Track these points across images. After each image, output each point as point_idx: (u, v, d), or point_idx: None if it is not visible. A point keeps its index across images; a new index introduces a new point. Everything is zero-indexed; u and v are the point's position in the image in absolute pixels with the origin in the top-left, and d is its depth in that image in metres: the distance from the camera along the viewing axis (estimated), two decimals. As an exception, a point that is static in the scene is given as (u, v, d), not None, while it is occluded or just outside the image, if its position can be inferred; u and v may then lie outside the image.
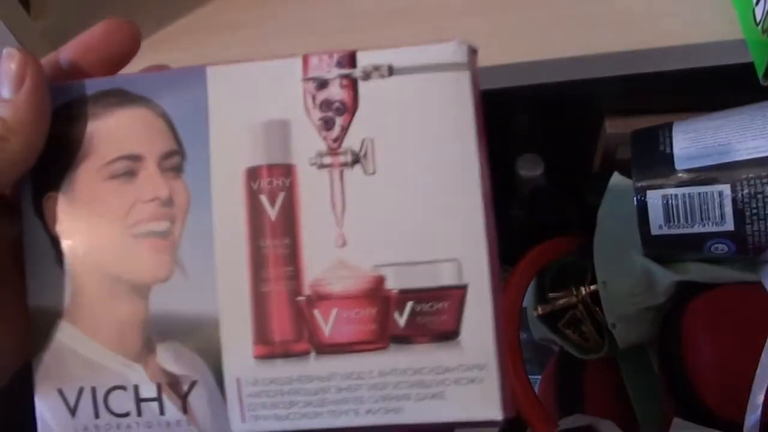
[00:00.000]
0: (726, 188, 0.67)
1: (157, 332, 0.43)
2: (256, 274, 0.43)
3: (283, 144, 0.44)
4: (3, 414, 0.61)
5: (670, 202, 0.69)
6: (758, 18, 0.63)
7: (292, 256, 0.43)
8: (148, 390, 0.44)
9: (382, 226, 0.42)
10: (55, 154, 0.44)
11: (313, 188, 0.43)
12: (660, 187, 0.69)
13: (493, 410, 0.41)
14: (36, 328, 0.44)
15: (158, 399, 0.44)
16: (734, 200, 0.67)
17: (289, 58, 0.44)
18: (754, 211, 0.67)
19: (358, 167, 0.43)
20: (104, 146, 0.44)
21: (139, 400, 0.44)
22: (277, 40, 0.75)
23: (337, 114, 0.44)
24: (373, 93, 0.44)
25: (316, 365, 0.42)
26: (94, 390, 0.44)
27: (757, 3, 0.64)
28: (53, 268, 0.44)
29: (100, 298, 0.44)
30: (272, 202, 0.43)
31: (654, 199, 0.70)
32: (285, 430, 0.43)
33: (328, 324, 0.42)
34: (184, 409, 0.43)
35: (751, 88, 0.64)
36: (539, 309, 0.82)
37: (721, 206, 0.68)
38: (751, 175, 0.67)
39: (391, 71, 0.44)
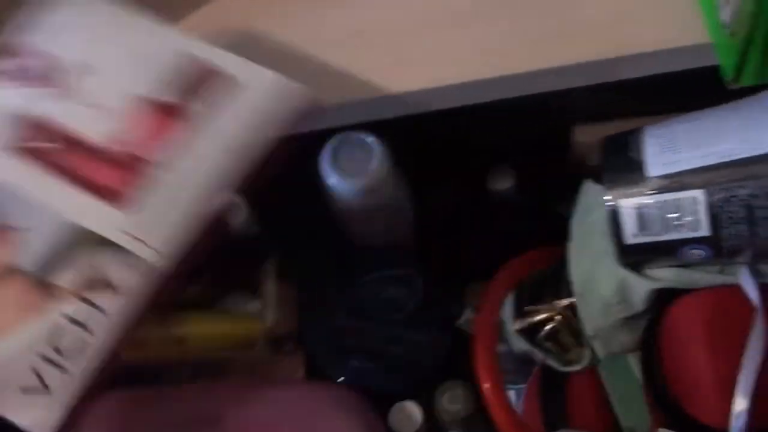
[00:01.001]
0: (700, 193, 0.66)
1: None
2: None
3: None
4: None
5: (643, 210, 0.68)
6: (725, 20, 0.62)
7: None
8: None
9: None
10: None
11: None
12: (632, 195, 0.68)
13: None
14: None
15: None
16: (709, 205, 0.66)
17: None
18: (730, 215, 0.66)
19: None
20: None
21: None
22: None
23: None
24: None
25: None
26: None
27: (723, 6, 0.63)
28: None
29: None
30: None
31: (626, 208, 0.68)
32: None
33: None
34: None
35: (721, 90, 0.63)
36: (517, 323, 0.81)
37: (695, 212, 0.67)
38: (725, 179, 0.65)
39: None
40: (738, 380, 0.66)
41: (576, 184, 0.80)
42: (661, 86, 0.72)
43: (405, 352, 0.86)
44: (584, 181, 0.79)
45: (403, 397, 0.85)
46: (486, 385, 0.78)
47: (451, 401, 0.84)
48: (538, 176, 0.92)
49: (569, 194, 0.82)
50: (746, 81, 0.59)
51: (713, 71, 0.63)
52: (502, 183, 0.91)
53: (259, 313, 0.88)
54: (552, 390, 0.85)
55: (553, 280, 0.81)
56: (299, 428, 0.76)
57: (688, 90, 0.72)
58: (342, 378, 0.86)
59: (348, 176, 0.81)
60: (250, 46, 0.75)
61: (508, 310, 0.83)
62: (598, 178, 0.73)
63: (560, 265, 0.79)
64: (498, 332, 0.80)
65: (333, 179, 0.81)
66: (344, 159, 0.81)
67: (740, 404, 0.65)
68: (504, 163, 0.91)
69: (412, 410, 0.84)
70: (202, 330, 0.86)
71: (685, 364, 0.69)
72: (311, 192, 0.86)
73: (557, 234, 0.81)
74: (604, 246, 0.73)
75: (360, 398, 0.82)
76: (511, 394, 0.89)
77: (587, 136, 0.85)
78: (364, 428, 0.78)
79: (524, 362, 0.85)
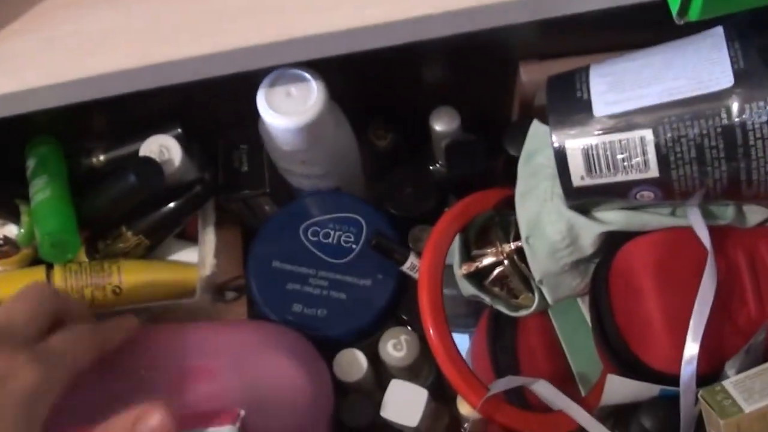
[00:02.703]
0: (648, 133, 0.65)
1: None
2: None
3: None
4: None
5: (590, 152, 0.66)
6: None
7: None
8: None
9: None
10: None
11: None
12: (578, 136, 0.67)
13: None
14: None
15: None
16: (657, 145, 0.65)
17: None
18: (679, 155, 0.64)
19: None
20: None
21: None
22: (161, 7, 0.72)
23: None
24: None
25: None
26: None
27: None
28: None
29: None
30: None
31: (573, 149, 0.67)
32: None
33: None
34: None
35: (668, 26, 0.61)
36: (464, 268, 0.79)
37: (644, 153, 0.65)
38: (673, 118, 0.64)
39: None
40: (689, 325, 0.65)
41: (524, 123, 0.78)
42: (608, 20, 0.70)
43: (348, 298, 0.85)
44: (532, 122, 0.77)
45: (348, 345, 0.84)
46: (431, 331, 0.77)
47: (396, 348, 0.82)
48: (485, 116, 0.90)
49: (517, 134, 0.80)
50: (693, 15, 0.57)
51: (664, 5, 0.61)
52: (447, 123, 0.89)
53: (200, 261, 0.87)
54: (501, 334, 0.85)
55: (501, 223, 0.80)
56: (240, 365, 0.75)
57: (639, 25, 0.70)
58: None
59: (285, 114, 0.79)
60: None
61: (455, 254, 0.81)
62: (545, 119, 0.71)
63: (509, 206, 0.77)
64: (441, 276, 0.79)
65: (270, 118, 0.79)
66: (281, 97, 0.79)
67: (691, 349, 0.65)
68: (448, 103, 0.89)
69: (357, 358, 0.82)
70: (137, 278, 0.85)
71: (636, 308, 0.68)
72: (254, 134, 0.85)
73: (508, 174, 0.80)
74: (552, 188, 0.72)
75: (304, 338, 0.82)
76: (465, 338, 0.89)
77: (534, 74, 0.84)
78: (306, 367, 0.78)
79: (477, 305, 0.84)
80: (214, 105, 0.88)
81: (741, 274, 0.68)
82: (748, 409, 0.61)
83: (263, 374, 0.75)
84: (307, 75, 0.79)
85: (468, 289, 0.80)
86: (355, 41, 0.68)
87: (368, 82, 0.86)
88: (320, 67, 0.78)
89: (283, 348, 0.78)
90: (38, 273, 0.84)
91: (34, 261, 0.86)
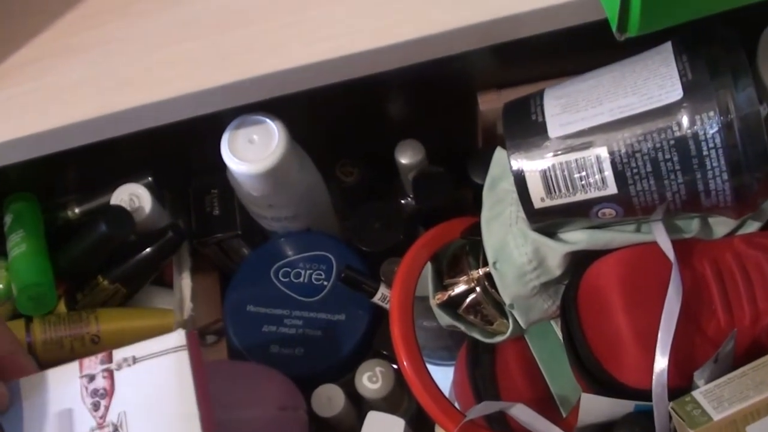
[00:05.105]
0: (603, 151, 0.65)
1: None
2: None
3: (69, 426, 0.65)
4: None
5: (548, 173, 0.67)
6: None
7: None
8: None
9: None
10: None
11: None
12: (535, 158, 0.67)
13: None
14: None
15: None
16: (613, 162, 0.65)
17: (71, 363, 0.67)
18: (635, 170, 0.65)
19: None
20: None
21: None
22: (120, 57, 0.73)
23: (101, 398, 0.65)
24: (124, 378, 0.65)
25: None
26: None
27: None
28: None
29: None
30: None
31: (531, 171, 0.68)
32: None
33: None
34: None
35: (624, 47, 0.63)
36: (437, 297, 0.80)
37: (600, 170, 0.66)
38: (627, 134, 0.65)
39: (134, 360, 0.65)
40: (657, 339, 0.65)
41: (489, 151, 0.79)
42: (559, 45, 0.71)
43: (324, 334, 0.86)
44: (495, 150, 0.78)
45: (329, 380, 0.84)
46: (403, 359, 0.77)
47: (371, 380, 0.83)
48: (450, 147, 0.91)
49: (483, 162, 0.81)
50: (632, 31, 0.58)
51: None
52: (412, 156, 0.90)
53: (177, 305, 0.88)
54: (480, 362, 0.84)
55: (472, 251, 0.80)
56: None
57: (594, 47, 0.71)
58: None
59: (248, 161, 0.80)
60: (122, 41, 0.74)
61: (429, 284, 0.82)
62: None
63: (476, 233, 0.78)
64: (413, 305, 0.79)
65: (234, 165, 0.80)
66: (244, 144, 0.81)
67: (660, 362, 0.65)
68: (413, 136, 0.91)
69: (335, 393, 0.83)
70: (115, 326, 0.87)
71: (606, 326, 0.68)
72: (225, 179, 0.86)
73: (478, 204, 0.80)
74: (517, 213, 0.73)
75: (281, 376, 0.82)
76: (451, 370, 0.89)
77: (492, 104, 0.85)
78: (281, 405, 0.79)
79: (462, 337, 0.84)
80: (185, 152, 0.89)
81: (708, 286, 0.68)
82: (717, 417, 0.61)
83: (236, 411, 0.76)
84: (269, 120, 0.80)
85: (444, 319, 0.80)
86: (310, 78, 0.70)
87: (333, 120, 0.87)
88: (284, 109, 0.79)
89: (259, 387, 0.79)
90: (18, 326, 0.85)
91: (15, 315, 0.87)
